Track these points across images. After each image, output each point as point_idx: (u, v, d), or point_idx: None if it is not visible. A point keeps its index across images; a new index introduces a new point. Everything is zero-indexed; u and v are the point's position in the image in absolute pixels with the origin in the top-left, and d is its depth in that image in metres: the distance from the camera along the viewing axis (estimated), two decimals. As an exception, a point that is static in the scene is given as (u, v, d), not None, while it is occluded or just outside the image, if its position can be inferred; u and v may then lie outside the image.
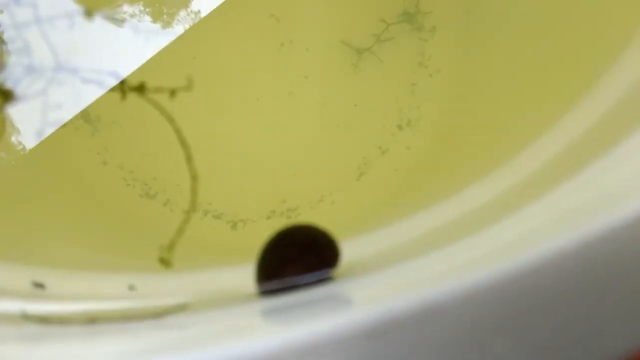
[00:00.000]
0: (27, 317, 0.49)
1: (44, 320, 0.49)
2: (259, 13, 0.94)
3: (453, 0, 0.93)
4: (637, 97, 0.64)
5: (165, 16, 0.90)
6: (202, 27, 0.91)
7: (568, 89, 0.82)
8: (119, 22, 0.58)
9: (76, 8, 0.58)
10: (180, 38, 0.90)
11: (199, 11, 0.91)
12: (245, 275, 0.57)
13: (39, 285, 0.55)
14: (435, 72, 0.92)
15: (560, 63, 0.88)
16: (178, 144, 0.85)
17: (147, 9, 0.89)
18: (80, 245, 0.73)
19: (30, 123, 0.65)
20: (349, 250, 0.59)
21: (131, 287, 0.58)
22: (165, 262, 0.55)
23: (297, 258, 0.53)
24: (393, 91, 0.92)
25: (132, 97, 0.69)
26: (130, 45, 0.86)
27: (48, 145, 0.76)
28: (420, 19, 0.92)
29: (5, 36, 0.49)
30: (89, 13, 0.54)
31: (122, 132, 0.86)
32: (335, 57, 0.92)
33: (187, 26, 0.91)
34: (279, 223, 0.93)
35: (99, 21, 0.64)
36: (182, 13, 0.91)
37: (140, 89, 0.54)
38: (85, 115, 0.82)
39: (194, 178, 0.62)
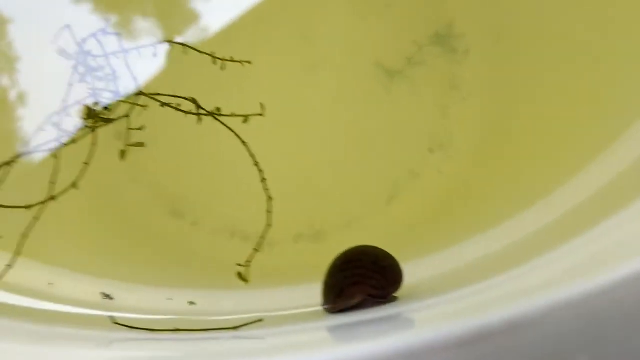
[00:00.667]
0: (116, 322, 0.52)
1: (132, 326, 0.51)
2: (290, 34, 0.94)
3: (486, 24, 0.92)
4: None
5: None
6: (234, 48, 0.91)
7: (606, 127, 0.81)
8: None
9: (155, 38, 0.60)
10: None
11: (230, 34, 0.92)
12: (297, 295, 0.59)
13: (107, 297, 0.58)
14: (468, 96, 0.91)
15: (593, 102, 0.86)
16: (225, 166, 0.85)
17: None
18: (141, 263, 0.75)
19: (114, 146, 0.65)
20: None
21: (191, 303, 0.63)
22: (242, 278, 0.61)
23: (365, 278, 0.56)
24: (425, 114, 0.91)
25: (178, 119, 0.69)
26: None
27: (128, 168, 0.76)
28: (452, 41, 0.91)
29: (95, 64, 0.52)
30: (167, 42, 0.57)
31: (156, 152, 0.85)
32: (367, 79, 0.91)
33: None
34: (307, 246, 0.91)
35: (176, 50, 0.66)
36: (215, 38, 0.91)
37: (216, 113, 0.56)
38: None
39: (269, 199, 0.66)
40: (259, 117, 0.95)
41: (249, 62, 0.64)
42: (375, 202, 0.89)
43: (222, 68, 0.59)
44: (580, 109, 0.87)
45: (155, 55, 0.56)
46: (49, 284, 0.60)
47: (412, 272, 0.61)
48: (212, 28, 0.90)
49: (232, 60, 0.61)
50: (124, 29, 0.91)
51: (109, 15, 0.66)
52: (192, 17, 0.90)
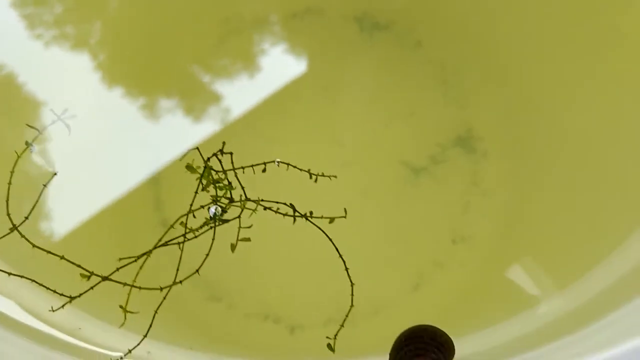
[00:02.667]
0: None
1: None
2: (323, 139, 1.04)
3: (504, 128, 1.01)
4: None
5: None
6: (269, 153, 1.02)
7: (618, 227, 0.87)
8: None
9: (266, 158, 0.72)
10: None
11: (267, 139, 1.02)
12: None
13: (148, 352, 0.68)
14: (488, 192, 0.98)
15: (608, 204, 0.92)
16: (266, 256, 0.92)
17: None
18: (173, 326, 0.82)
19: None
20: None
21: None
22: (331, 348, 0.70)
23: (426, 352, 0.66)
24: (448, 208, 0.98)
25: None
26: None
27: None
28: (472, 143, 0.99)
29: (216, 176, 0.66)
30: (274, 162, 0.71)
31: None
32: (394, 176, 0.99)
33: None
34: (335, 330, 0.95)
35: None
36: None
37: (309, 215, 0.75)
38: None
39: (352, 284, 0.77)
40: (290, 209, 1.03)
41: (335, 177, 0.77)
42: (401, 290, 0.93)
43: (315, 181, 0.75)
44: (593, 204, 0.92)
45: (264, 170, 0.70)
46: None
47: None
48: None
49: (323, 175, 0.76)
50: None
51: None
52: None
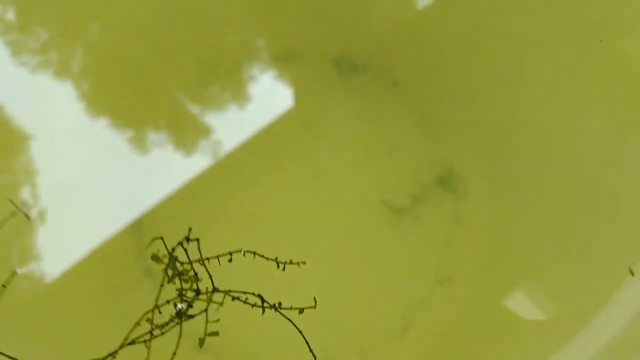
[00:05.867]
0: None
1: None
2: (306, 178, 1.03)
3: (483, 165, 1.01)
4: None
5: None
6: (254, 195, 1.01)
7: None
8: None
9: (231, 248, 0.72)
10: (235, 201, 1.00)
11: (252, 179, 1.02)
12: None
13: None
14: (469, 230, 0.98)
15: (592, 236, 0.93)
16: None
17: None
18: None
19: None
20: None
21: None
22: None
23: None
24: (432, 247, 0.98)
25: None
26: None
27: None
28: (453, 181, 1.00)
29: (181, 268, 0.65)
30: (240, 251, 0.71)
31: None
32: (375, 216, 0.99)
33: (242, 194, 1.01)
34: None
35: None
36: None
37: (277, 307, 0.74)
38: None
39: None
40: (277, 247, 1.02)
41: (304, 263, 0.76)
42: (389, 333, 0.92)
43: (283, 269, 0.74)
44: (575, 234, 0.93)
45: (230, 260, 0.69)
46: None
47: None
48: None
49: (291, 263, 0.75)
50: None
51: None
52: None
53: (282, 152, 1.04)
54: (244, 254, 0.69)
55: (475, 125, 1.03)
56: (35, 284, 0.91)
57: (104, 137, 1.03)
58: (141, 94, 1.07)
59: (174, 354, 0.66)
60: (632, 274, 0.82)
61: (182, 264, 0.65)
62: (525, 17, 1.01)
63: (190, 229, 0.65)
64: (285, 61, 1.07)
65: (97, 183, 1.02)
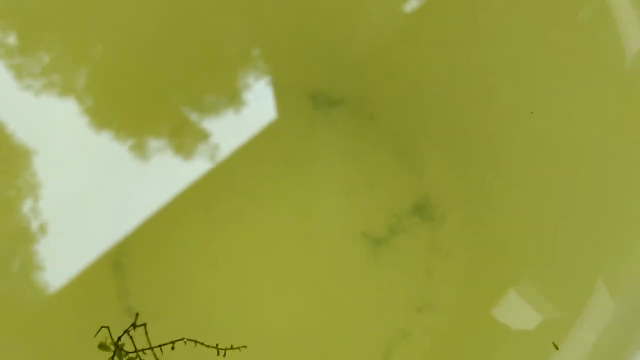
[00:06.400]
0: None
1: None
2: (290, 211, 1.05)
3: (459, 193, 1.04)
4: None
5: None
6: (237, 232, 1.03)
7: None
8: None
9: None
10: (218, 238, 1.03)
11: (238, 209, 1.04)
12: None
13: None
14: (447, 257, 1.01)
15: (568, 260, 0.97)
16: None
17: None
18: None
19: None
20: None
21: None
22: None
23: None
24: (410, 276, 1.00)
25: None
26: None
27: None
28: (429, 210, 1.03)
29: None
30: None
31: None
32: (356, 248, 1.02)
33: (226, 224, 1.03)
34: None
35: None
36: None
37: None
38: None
39: None
40: (260, 280, 1.04)
41: (245, 347, 0.77)
42: (371, 361, 0.95)
43: (224, 355, 0.73)
44: (550, 257, 0.97)
45: (172, 348, 0.70)
46: None
47: None
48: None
49: (232, 348, 0.75)
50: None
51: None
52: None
53: (266, 186, 1.06)
54: (185, 343, 0.70)
55: (450, 154, 1.06)
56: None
57: (107, 148, 1.06)
58: (143, 104, 1.09)
59: None
60: (557, 347, 0.86)
61: (127, 353, 0.66)
62: (499, 52, 1.05)
63: (137, 315, 0.67)
64: (262, 95, 1.09)
65: (98, 194, 1.04)
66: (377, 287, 1.00)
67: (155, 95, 1.10)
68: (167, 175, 1.06)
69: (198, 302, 0.95)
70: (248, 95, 1.09)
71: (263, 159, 1.07)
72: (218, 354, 0.70)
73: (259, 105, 1.10)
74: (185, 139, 1.07)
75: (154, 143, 1.06)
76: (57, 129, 1.06)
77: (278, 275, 1.02)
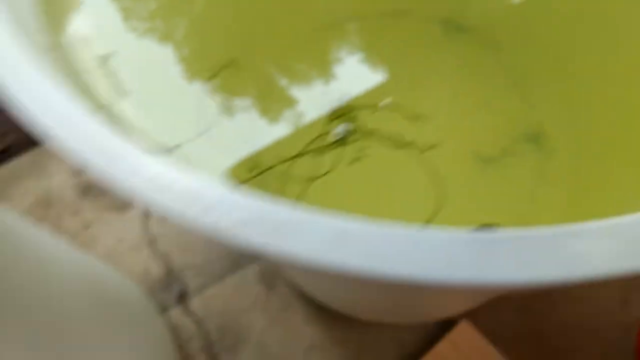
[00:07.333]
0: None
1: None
2: (405, 115, 1.10)
3: (571, 131, 1.06)
4: None
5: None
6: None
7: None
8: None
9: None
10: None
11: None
12: None
13: None
14: (552, 186, 1.03)
15: None
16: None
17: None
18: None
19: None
20: None
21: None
22: None
23: None
24: (514, 201, 1.03)
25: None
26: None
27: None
28: (541, 140, 1.06)
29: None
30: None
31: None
32: (468, 163, 1.05)
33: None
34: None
35: None
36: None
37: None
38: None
39: None
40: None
41: None
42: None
43: None
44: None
45: None
46: None
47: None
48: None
49: None
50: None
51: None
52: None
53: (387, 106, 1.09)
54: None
55: (564, 94, 1.09)
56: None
57: (195, 99, 1.05)
58: (235, 62, 1.09)
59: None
60: None
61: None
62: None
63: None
64: (391, 20, 1.16)
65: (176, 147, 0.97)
66: (481, 199, 1.03)
67: (248, 56, 1.10)
68: (249, 135, 1.05)
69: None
70: (339, 69, 1.12)
71: (385, 83, 1.13)
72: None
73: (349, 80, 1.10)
74: (272, 103, 1.08)
75: (240, 102, 1.07)
76: (151, 73, 1.05)
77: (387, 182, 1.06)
